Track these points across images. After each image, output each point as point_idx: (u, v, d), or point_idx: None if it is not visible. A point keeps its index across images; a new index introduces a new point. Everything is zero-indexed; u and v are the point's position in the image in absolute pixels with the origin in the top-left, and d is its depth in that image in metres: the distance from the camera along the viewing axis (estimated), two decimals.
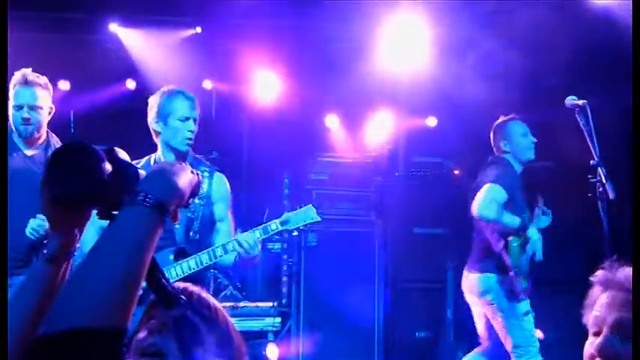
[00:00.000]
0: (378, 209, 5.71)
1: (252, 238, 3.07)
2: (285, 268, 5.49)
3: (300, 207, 3.25)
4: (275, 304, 5.23)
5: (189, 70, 6.00)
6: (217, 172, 3.37)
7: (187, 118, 3.21)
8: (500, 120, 4.17)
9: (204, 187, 3.25)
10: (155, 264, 1.16)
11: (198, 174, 1.22)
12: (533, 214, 4.10)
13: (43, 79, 3.72)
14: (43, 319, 0.98)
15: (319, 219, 3.23)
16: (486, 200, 3.79)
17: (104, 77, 6.27)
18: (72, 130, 5.49)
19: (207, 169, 3.32)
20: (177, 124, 3.20)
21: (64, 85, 6.16)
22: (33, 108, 3.65)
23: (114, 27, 5.98)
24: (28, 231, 3.42)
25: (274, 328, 5.13)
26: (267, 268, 5.65)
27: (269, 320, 5.10)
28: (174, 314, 1.29)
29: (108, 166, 1.11)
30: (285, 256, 5.48)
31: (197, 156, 3.41)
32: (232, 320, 1.41)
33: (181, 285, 1.37)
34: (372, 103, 6.13)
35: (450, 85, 5.58)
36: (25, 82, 3.66)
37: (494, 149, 4.16)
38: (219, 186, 3.32)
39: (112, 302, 0.99)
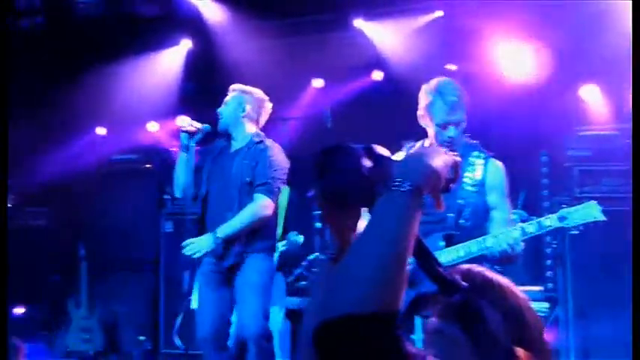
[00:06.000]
0: None
1: (518, 234, 2.96)
2: (548, 251, 5.19)
3: (581, 203, 3.05)
4: (542, 288, 4.99)
5: (434, 53, 5.97)
6: (492, 159, 3.25)
7: (447, 124, 3.11)
8: None
9: (478, 173, 3.17)
10: (429, 252, 1.19)
11: (455, 155, 1.19)
12: None
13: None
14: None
15: (604, 218, 2.97)
16: None
17: (352, 72, 6.55)
18: (328, 125, 5.79)
19: (482, 155, 3.24)
20: (436, 129, 3.15)
21: (318, 83, 6.62)
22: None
23: (358, 22, 6.22)
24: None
25: (542, 314, 4.90)
26: (528, 251, 5.38)
27: (535, 305, 4.87)
28: (456, 300, 1.29)
29: (368, 163, 1.16)
30: (548, 238, 5.17)
31: (472, 141, 3.30)
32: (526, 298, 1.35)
33: (465, 267, 1.36)
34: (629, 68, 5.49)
35: None
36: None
37: None
38: (493, 174, 3.21)
39: (379, 287, 1.02)
